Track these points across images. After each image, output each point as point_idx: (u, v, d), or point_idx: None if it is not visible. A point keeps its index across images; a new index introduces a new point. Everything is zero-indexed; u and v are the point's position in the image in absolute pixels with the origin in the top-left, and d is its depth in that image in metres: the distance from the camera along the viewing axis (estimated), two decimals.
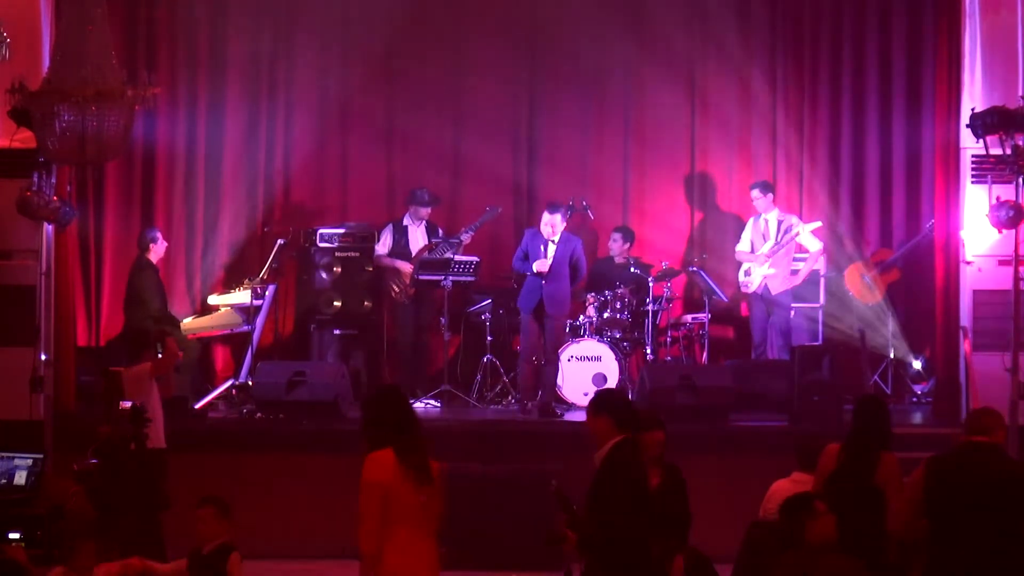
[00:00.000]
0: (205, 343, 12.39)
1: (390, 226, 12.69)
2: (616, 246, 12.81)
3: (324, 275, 12.62)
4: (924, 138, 12.73)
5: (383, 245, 12.59)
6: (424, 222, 12.62)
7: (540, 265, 11.62)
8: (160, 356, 9.57)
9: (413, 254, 12.49)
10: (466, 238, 12.30)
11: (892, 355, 12.59)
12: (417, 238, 12.58)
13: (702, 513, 7.87)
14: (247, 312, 12.00)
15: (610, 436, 6.44)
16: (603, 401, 6.56)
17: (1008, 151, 10.39)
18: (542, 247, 11.71)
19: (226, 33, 13.19)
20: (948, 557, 6.51)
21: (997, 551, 6.45)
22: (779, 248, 12.32)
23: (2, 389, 10.89)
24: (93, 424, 9.05)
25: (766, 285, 12.37)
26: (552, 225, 11.73)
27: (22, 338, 10.98)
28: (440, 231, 12.60)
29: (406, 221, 12.65)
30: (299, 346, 12.78)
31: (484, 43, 13.33)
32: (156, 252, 12.00)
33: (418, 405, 12.03)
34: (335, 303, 12.56)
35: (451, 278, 12.16)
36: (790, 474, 8.00)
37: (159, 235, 12.09)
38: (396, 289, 12.46)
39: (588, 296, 12.39)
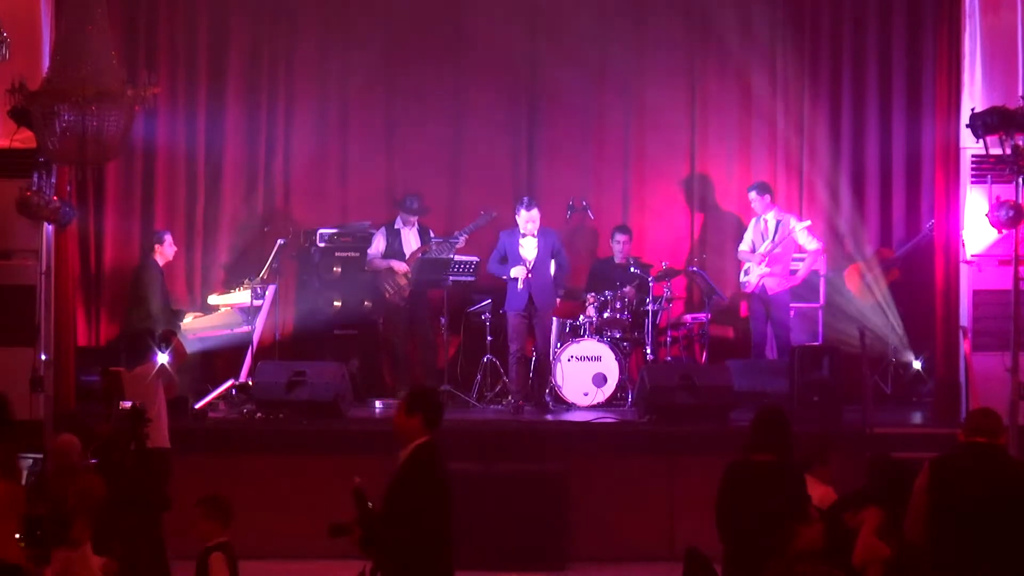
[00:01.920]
0: (205, 343, 12.37)
1: (383, 229, 12.68)
2: (620, 247, 12.80)
3: (324, 275, 12.63)
4: (924, 138, 12.73)
5: (376, 248, 12.59)
6: (416, 225, 12.62)
7: (518, 272, 11.64)
8: (169, 358, 9.57)
9: (407, 256, 12.50)
10: (460, 241, 12.30)
11: (892, 355, 12.59)
12: (410, 240, 12.58)
13: (702, 513, 7.87)
14: (247, 312, 11.99)
15: (418, 435, 6.48)
16: (418, 399, 6.59)
17: (1008, 151, 10.39)
18: (520, 248, 11.72)
19: (226, 33, 13.20)
20: (955, 559, 6.51)
21: (1005, 553, 6.47)
22: (775, 248, 12.32)
23: (2, 389, 10.87)
24: (93, 424, 9.05)
25: (763, 285, 12.38)
26: (533, 221, 11.77)
27: (22, 338, 10.98)
28: (431, 233, 12.59)
29: (398, 224, 12.65)
30: (299, 346, 12.78)
31: (484, 44, 13.31)
32: (162, 253, 11.97)
33: None
34: (335, 303, 12.56)
35: (451, 278, 12.17)
36: None
37: (168, 238, 12.07)
38: (390, 290, 12.45)
39: (588, 296, 12.40)
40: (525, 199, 11.97)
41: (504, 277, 11.83)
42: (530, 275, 11.68)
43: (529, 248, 11.79)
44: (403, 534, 6.29)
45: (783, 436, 7.00)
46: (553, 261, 11.89)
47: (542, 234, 11.81)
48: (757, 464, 6.95)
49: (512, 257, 11.79)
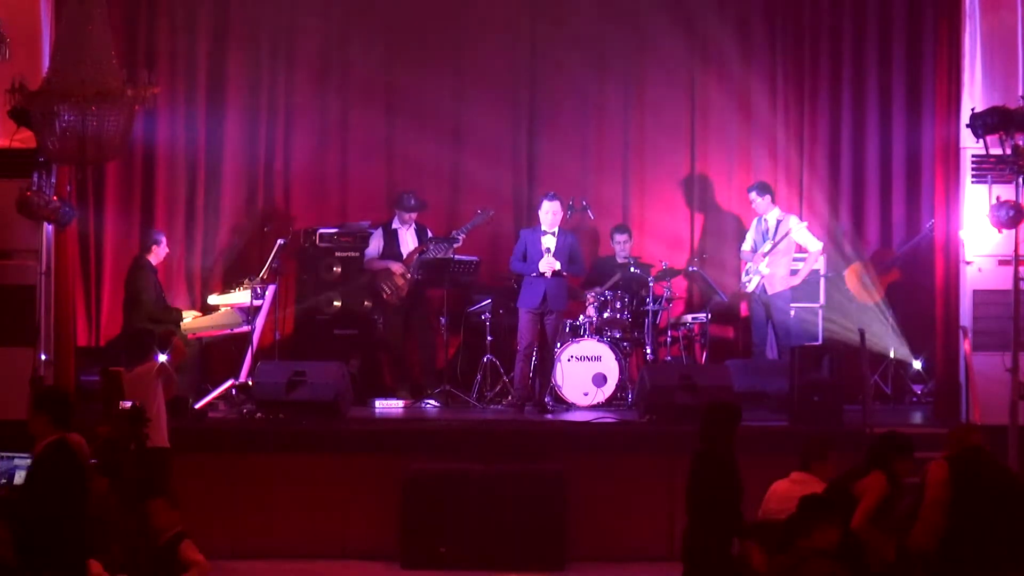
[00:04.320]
0: (205, 343, 12.37)
1: (380, 230, 12.67)
2: (620, 247, 12.80)
3: (324, 275, 12.63)
4: (924, 138, 12.74)
5: (374, 248, 12.59)
6: (413, 224, 12.61)
7: (545, 265, 11.60)
8: (168, 357, 9.58)
9: (404, 256, 12.49)
10: (459, 240, 12.30)
11: (892, 355, 12.59)
12: (407, 241, 12.57)
13: None
14: (247, 312, 11.99)
15: (46, 434, 6.60)
16: (43, 398, 6.76)
17: (1008, 151, 10.40)
18: (542, 244, 11.69)
19: (226, 33, 13.20)
20: (975, 550, 6.62)
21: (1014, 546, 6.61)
22: (775, 248, 12.31)
23: (2, 389, 10.89)
24: (93, 424, 9.04)
25: (763, 285, 12.37)
26: (553, 213, 11.73)
27: (22, 338, 10.97)
28: (429, 232, 12.59)
29: (395, 224, 12.64)
30: (299, 346, 12.77)
31: (484, 45, 13.33)
32: (156, 254, 11.98)
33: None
34: (335, 303, 12.56)
35: (451, 278, 12.18)
36: (790, 474, 8.00)
37: (163, 238, 12.06)
38: (388, 291, 12.45)
39: (588, 296, 12.40)
40: (550, 192, 11.96)
41: (533, 274, 11.72)
42: (553, 267, 11.61)
43: (548, 245, 11.72)
44: (35, 529, 6.47)
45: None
46: (569, 261, 11.81)
47: (561, 234, 11.78)
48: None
49: (532, 254, 11.74)
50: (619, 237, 12.83)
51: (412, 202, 12.55)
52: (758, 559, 7.04)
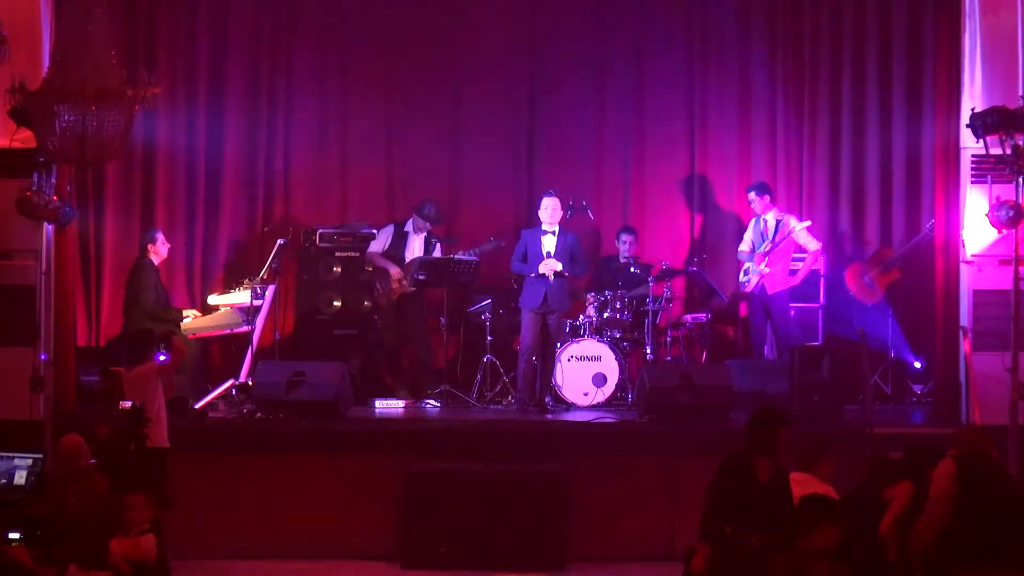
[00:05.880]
0: (205, 343, 12.38)
1: (391, 227, 12.69)
2: (626, 247, 12.81)
3: (324, 275, 12.63)
4: (924, 138, 12.73)
5: (379, 244, 12.59)
6: (426, 232, 12.62)
7: (545, 268, 11.60)
8: (168, 357, 9.58)
9: (407, 261, 12.50)
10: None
11: (892, 355, 12.59)
12: (414, 247, 12.57)
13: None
14: (247, 312, 11.99)
15: None
16: None
17: (1008, 151, 10.39)
18: (541, 245, 11.69)
19: (226, 33, 13.20)
20: (971, 552, 6.70)
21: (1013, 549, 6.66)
22: (774, 248, 12.32)
23: (2, 389, 10.90)
24: (93, 424, 9.06)
25: (763, 285, 12.38)
26: (552, 208, 11.73)
27: (22, 338, 10.98)
28: (437, 244, 12.57)
29: (408, 227, 12.65)
30: (299, 346, 12.78)
31: (484, 45, 13.34)
32: (155, 252, 12.00)
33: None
34: (335, 303, 12.56)
35: (451, 279, 12.19)
36: (789, 474, 7.98)
37: (158, 235, 12.09)
38: (379, 290, 12.46)
39: (588, 296, 12.40)
40: (550, 190, 11.96)
41: (532, 275, 11.73)
42: (555, 269, 11.62)
43: (548, 245, 11.74)
44: None
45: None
46: (571, 261, 11.81)
47: (561, 233, 11.79)
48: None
49: (532, 254, 11.74)
50: (625, 237, 12.85)
51: (432, 213, 12.55)
52: (698, 561, 7.05)
